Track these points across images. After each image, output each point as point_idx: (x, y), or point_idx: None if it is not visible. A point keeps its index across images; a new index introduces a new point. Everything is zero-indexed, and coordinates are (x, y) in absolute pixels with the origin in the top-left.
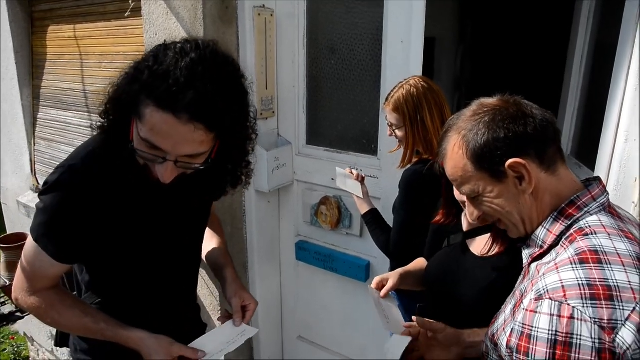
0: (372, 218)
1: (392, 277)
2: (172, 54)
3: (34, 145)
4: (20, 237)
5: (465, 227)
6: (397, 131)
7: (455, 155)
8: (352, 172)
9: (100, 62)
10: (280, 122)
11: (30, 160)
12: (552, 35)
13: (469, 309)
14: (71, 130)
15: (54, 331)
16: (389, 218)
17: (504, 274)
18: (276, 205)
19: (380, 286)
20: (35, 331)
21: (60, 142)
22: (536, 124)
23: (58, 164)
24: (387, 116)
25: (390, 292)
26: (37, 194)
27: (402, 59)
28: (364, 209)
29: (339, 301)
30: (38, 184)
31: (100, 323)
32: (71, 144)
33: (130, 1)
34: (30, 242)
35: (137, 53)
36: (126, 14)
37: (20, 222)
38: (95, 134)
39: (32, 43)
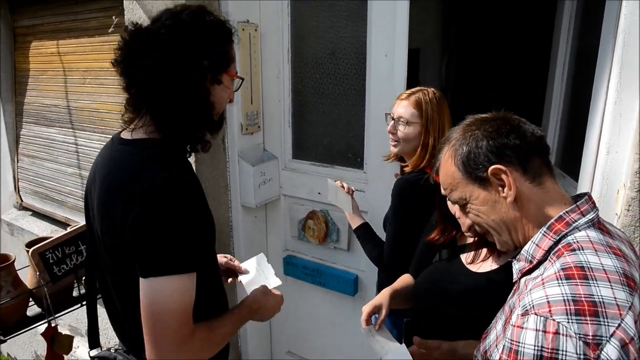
0: (364, 232)
1: (384, 305)
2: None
3: (17, 162)
4: (2, 258)
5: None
6: (407, 127)
7: (445, 164)
8: (343, 186)
9: (84, 78)
10: (265, 137)
11: (14, 178)
12: (535, 43)
13: (460, 323)
14: (55, 146)
15: (39, 351)
16: (378, 231)
17: (499, 289)
18: (263, 220)
19: (371, 315)
20: (20, 352)
21: (44, 159)
22: (520, 136)
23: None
24: (398, 110)
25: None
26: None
27: (387, 72)
28: (355, 223)
29: (327, 315)
30: (22, 200)
31: (228, 320)
32: (55, 160)
33: (113, 17)
34: (162, 284)
35: None
36: (110, 30)
37: (2, 241)
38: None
39: (15, 59)
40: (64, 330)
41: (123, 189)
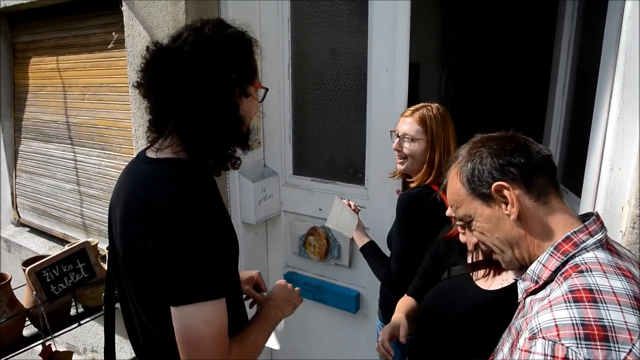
0: (371, 250)
1: (403, 327)
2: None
3: (16, 178)
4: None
5: (469, 258)
6: (413, 143)
7: (452, 181)
8: (349, 204)
9: (84, 94)
10: (266, 153)
11: (12, 194)
12: (535, 58)
13: (468, 341)
14: (53, 162)
15: None
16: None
17: (508, 307)
18: (264, 236)
19: (392, 340)
20: None
21: (42, 175)
22: (525, 154)
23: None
24: (403, 128)
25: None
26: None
27: (388, 88)
28: (361, 241)
29: (329, 332)
30: (19, 217)
31: (255, 329)
32: (53, 176)
33: (113, 33)
34: (196, 312)
35: (121, 85)
36: (109, 46)
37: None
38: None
39: (14, 75)
40: (61, 348)
41: (144, 210)
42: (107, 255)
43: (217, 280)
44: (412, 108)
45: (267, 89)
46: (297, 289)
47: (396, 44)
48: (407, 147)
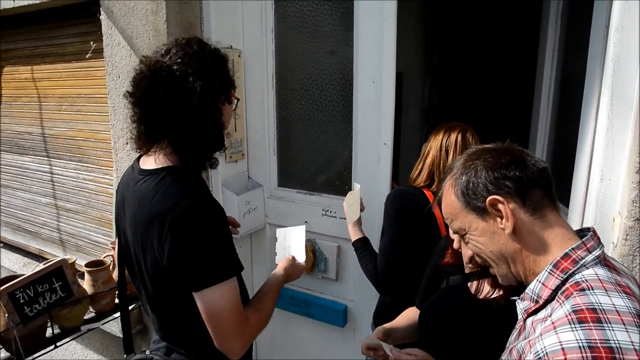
0: (362, 244)
1: (383, 345)
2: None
3: None
4: None
5: (467, 269)
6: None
7: (447, 193)
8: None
9: (60, 105)
10: (250, 165)
11: None
12: (519, 66)
13: (463, 352)
14: (29, 175)
15: None
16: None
17: (502, 318)
18: (248, 250)
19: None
20: None
21: (16, 189)
22: (520, 167)
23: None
24: None
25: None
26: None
27: (374, 98)
28: (355, 235)
29: (316, 347)
30: None
31: (267, 297)
32: (29, 190)
33: (91, 42)
34: (215, 292)
35: (100, 95)
36: (87, 56)
37: None
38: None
39: None
40: None
41: (154, 223)
42: (116, 256)
43: (226, 263)
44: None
45: (238, 99)
46: (303, 263)
47: (382, 54)
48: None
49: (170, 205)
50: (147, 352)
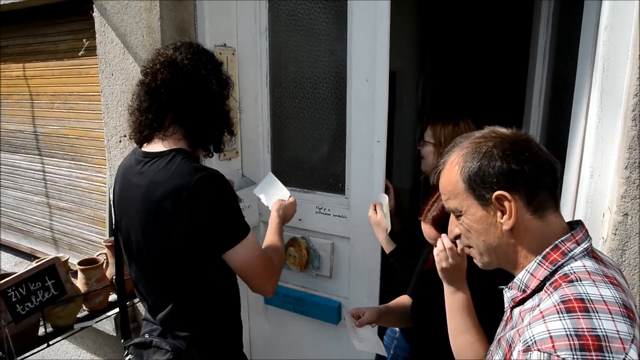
0: (399, 256)
1: (369, 312)
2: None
3: None
4: None
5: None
6: (425, 146)
7: (451, 170)
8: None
9: (53, 103)
10: (244, 163)
11: None
12: (511, 65)
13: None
14: (20, 174)
15: None
16: (359, 259)
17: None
18: None
19: (357, 317)
20: None
21: (8, 187)
22: (536, 167)
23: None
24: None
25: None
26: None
27: (368, 97)
28: (390, 246)
29: (310, 344)
30: None
31: (274, 237)
32: (20, 188)
33: (84, 40)
34: (244, 246)
35: (93, 93)
36: (80, 53)
37: None
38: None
39: None
40: None
41: (172, 196)
42: (114, 245)
43: (245, 222)
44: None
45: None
46: (291, 199)
47: (376, 53)
48: (421, 148)
49: (187, 180)
50: (147, 336)
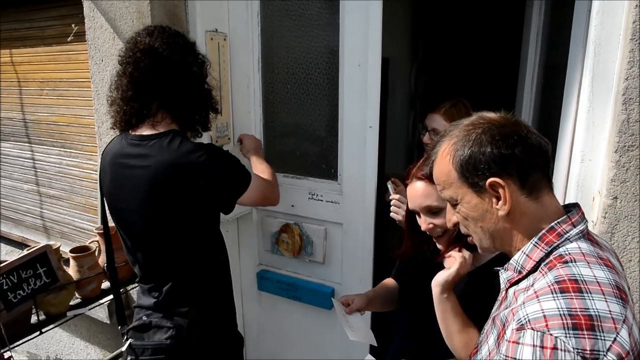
0: None
1: (358, 299)
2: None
3: None
4: None
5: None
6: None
7: (443, 160)
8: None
9: (42, 90)
10: (236, 149)
11: None
12: (503, 51)
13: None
14: (9, 162)
15: None
16: (352, 244)
17: (473, 284)
18: (235, 234)
19: (346, 304)
20: None
21: None
22: (527, 149)
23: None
24: (432, 124)
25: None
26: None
27: (360, 82)
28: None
29: (304, 330)
30: None
31: (259, 165)
32: (10, 177)
33: (72, 25)
34: (252, 186)
35: (83, 80)
36: (69, 39)
37: None
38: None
39: None
40: (21, 357)
41: (175, 167)
42: (102, 241)
43: (247, 170)
44: (443, 106)
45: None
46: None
47: (368, 37)
48: (424, 137)
49: (197, 155)
50: (144, 318)
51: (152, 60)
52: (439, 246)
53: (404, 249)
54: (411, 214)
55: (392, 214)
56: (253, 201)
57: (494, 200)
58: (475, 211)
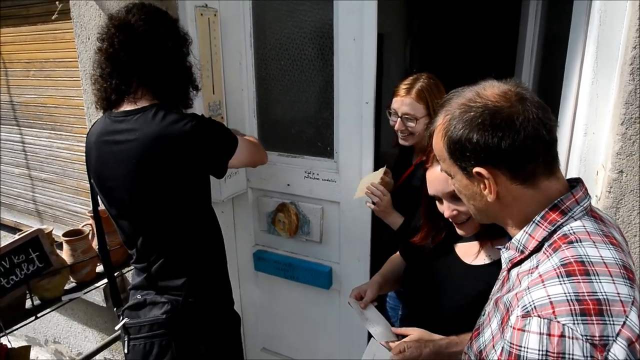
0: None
1: (370, 289)
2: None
3: None
4: None
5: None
6: (417, 122)
7: (438, 134)
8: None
9: (28, 70)
10: (229, 127)
11: None
12: (502, 25)
13: (453, 316)
14: None
15: None
16: (349, 223)
17: (491, 277)
18: (230, 215)
19: (359, 297)
20: None
21: None
22: (516, 139)
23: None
24: (402, 108)
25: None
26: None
27: (356, 57)
28: (399, 219)
29: (302, 310)
30: None
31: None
32: (0, 160)
33: (57, 2)
34: (240, 147)
35: (70, 59)
36: (53, 17)
37: None
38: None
39: None
40: (19, 341)
41: (162, 139)
42: (95, 224)
43: (233, 134)
44: (405, 85)
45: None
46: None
47: (364, 11)
48: (411, 126)
49: (183, 124)
50: (139, 297)
51: (126, 36)
52: (461, 232)
53: (420, 238)
54: (430, 200)
55: (368, 204)
56: (243, 162)
57: (482, 185)
58: (465, 190)
